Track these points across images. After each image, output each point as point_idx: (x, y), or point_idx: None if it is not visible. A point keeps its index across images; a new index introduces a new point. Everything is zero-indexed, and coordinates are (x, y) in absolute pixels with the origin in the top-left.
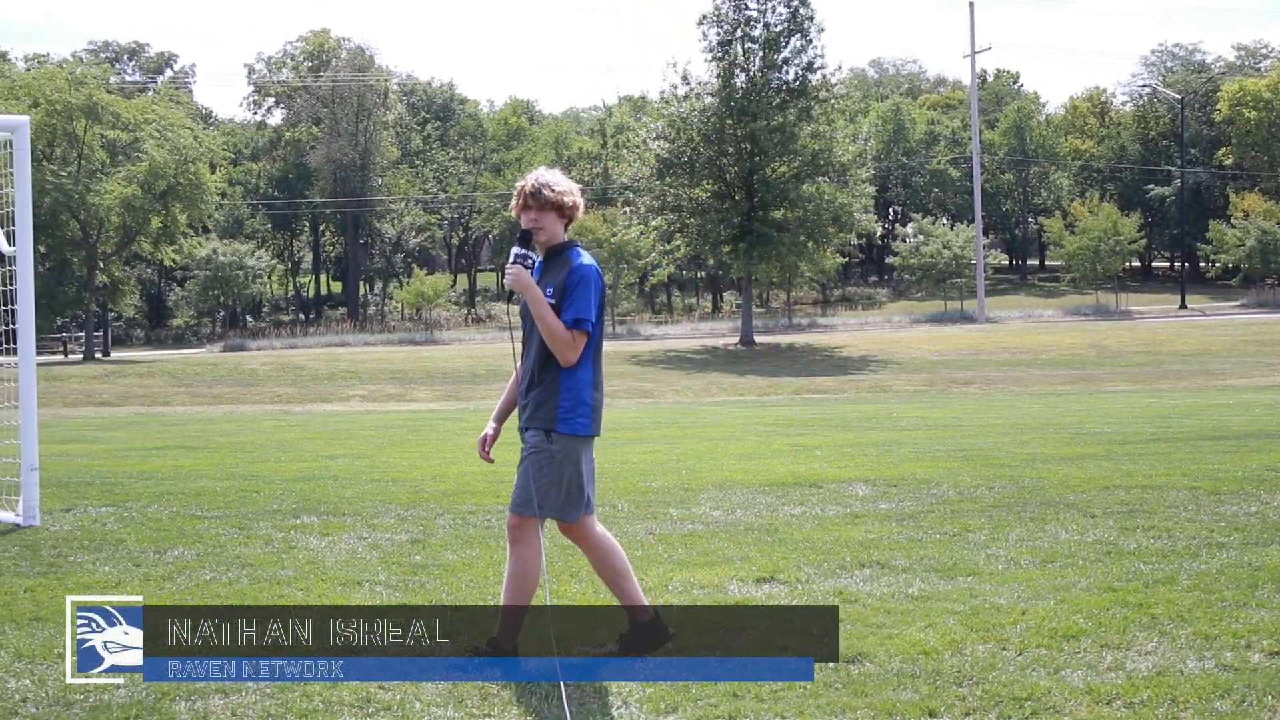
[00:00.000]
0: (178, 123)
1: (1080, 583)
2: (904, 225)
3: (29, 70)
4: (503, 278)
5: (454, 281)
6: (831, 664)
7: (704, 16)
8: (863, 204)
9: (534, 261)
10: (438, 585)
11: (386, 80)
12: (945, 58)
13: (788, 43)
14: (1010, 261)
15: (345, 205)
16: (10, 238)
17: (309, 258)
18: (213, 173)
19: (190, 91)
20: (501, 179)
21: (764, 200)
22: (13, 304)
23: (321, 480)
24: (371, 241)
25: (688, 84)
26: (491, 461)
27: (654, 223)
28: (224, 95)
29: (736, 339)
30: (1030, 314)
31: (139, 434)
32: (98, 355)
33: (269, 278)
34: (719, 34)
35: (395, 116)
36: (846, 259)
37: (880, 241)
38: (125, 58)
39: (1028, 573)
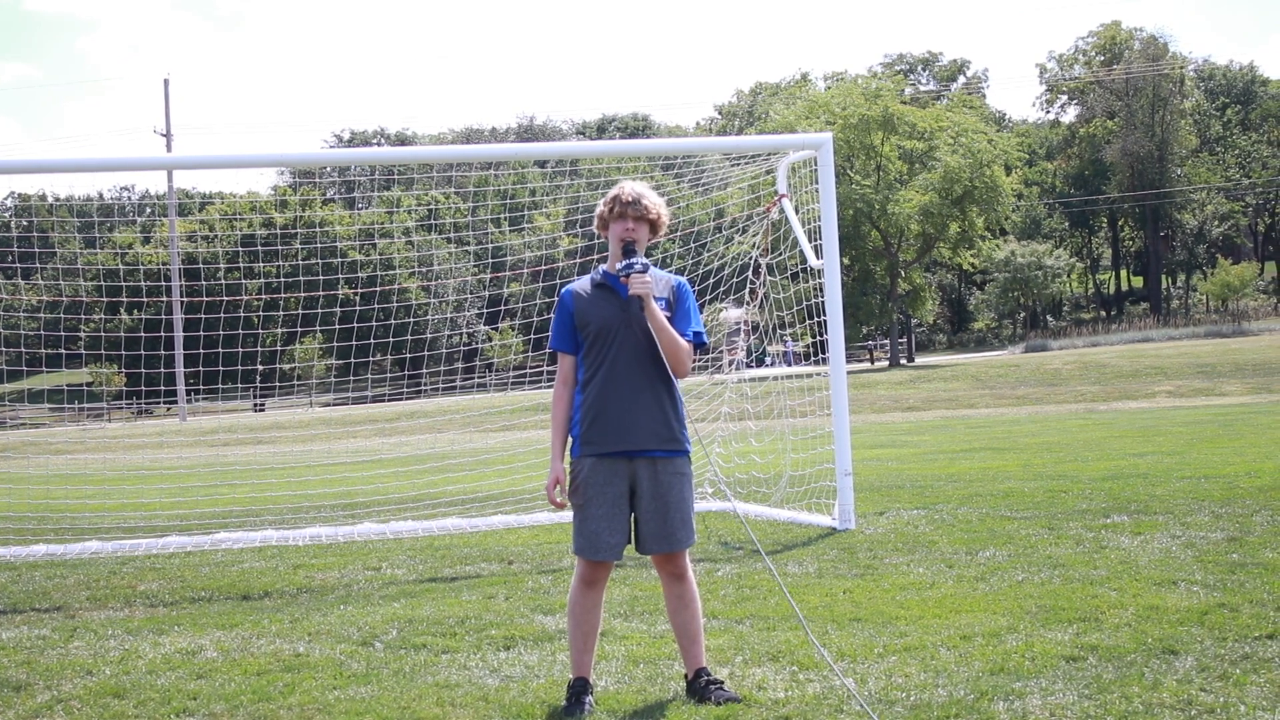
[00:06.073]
0: (971, 128)
1: None
2: None
3: (827, 89)
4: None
5: (1261, 270)
6: None
7: None
8: None
9: (648, 268)
10: (1257, 584)
11: (1182, 68)
12: None
13: None
14: None
15: (1143, 199)
16: (818, 251)
17: (1108, 254)
18: (1008, 175)
19: (983, 96)
20: None
21: None
22: (823, 315)
23: (1131, 478)
24: (1172, 233)
25: None
26: (564, 507)
27: None
28: (1016, 97)
29: None
30: None
31: (945, 437)
32: (902, 361)
33: (1068, 276)
34: None
35: (1193, 104)
36: None
37: None
38: (919, 68)
39: None
